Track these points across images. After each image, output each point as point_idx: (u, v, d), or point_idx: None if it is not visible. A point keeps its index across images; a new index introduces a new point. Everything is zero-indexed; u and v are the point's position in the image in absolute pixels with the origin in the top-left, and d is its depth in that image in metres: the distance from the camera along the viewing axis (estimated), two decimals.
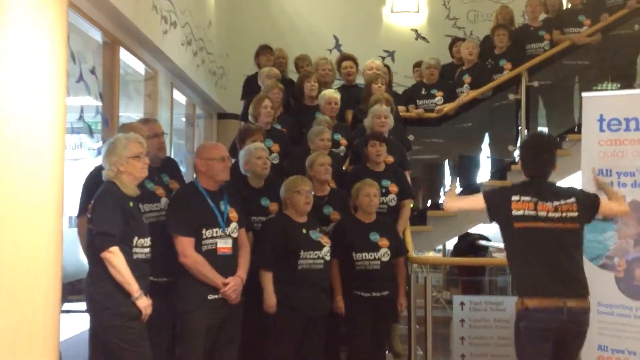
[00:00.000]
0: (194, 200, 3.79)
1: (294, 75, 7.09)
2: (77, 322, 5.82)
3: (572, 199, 3.42)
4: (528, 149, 3.54)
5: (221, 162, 3.83)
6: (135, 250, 3.39)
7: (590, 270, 3.91)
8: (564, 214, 3.37)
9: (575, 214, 3.39)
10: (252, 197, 4.40)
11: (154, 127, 4.15)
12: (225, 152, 3.92)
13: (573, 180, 6.14)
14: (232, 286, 3.70)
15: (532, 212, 3.34)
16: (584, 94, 4.53)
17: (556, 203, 3.38)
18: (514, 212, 3.34)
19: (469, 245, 8.47)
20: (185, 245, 3.66)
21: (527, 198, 3.37)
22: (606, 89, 6.75)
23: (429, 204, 7.16)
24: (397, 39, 9.75)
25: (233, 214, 3.85)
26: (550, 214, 3.35)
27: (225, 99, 9.19)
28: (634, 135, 4.21)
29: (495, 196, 3.50)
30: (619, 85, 6.76)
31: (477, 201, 3.53)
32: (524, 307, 3.27)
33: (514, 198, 3.37)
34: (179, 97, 7.79)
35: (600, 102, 4.44)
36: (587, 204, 3.48)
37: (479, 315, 4.51)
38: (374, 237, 4.43)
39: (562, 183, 6.57)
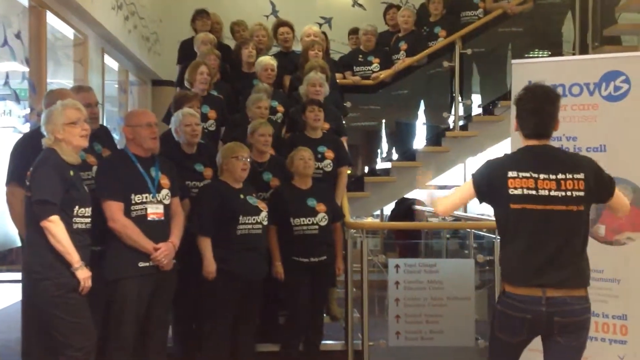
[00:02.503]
0: (123, 165, 3.73)
1: (230, 42, 6.99)
2: (8, 293, 5.69)
3: (581, 174, 2.86)
4: (525, 101, 2.96)
5: (147, 129, 3.76)
6: (75, 219, 3.33)
7: None
8: (568, 193, 2.84)
9: (582, 193, 2.85)
10: (185, 162, 4.36)
11: (86, 96, 4.03)
12: (152, 118, 3.84)
13: (504, 147, 6.34)
14: (164, 251, 3.67)
15: (532, 192, 2.85)
16: (513, 61, 4.62)
17: (560, 176, 2.85)
18: (511, 191, 2.85)
19: (406, 210, 8.65)
20: (113, 209, 3.61)
21: (526, 174, 2.86)
22: (536, 56, 6.92)
23: (366, 170, 7.26)
24: (334, 5, 9.70)
25: (164, 181, 3.80)
26: (553, 192, 2.84)
27: (160, 65, 8.99)
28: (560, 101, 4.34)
29: (486, 175, 2.96)
30: (549, 53, 6.94)
31: (468, 190, 3.00)
32: (502, 289, 2.95)
33: (511, 174, 2.87)
34: (111, 63, 7.58)
35: (529, 68, 4.54)
36: (599, 184, 2.91)
37: (413, 277, 4.61)
38: (312, 202, 4.47)
39: (495, 148, 6.84)
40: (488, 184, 2.94)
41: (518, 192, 2.86)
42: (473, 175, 3.01)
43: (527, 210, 2.86)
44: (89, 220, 3.41)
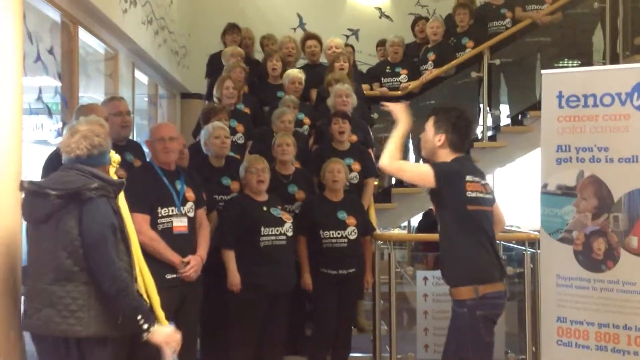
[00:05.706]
0: (149, 178, 3.75)
1: (260, 56, 7.04)
2: None
3: (486, 180, 3.34)
4: (463, 123, 3.30)
5: (160, 143, 3.76)
6: None
7: (550, 244, 4.01)
8: (488, 196, 3.27)
9: (491, 196, 3.33)
10: (213, 176, 4.38)
11: (118, 105, 4.09)
12: (166, 133, 3.81)
13: (534, 156, 6.27)
14: (193, 266, 3.71)
15: (481, 195, 3.19)
16: (543, 72, 4.57)
17: (483, 182, 3.27)
18: (469, 194, 3.13)
19: (433, 221, 8.56)
20: (140, 222, 3.60)
21: (477, 179, 3.20)
22: (566, 66, 6.85)
23: (393, 182, 7.23)
24: (361, 17, 9.73)
25: (189, 194, 3.82)
26: (486, 196, 3.24)
27: (188, 78, 9.09)
28: (591, 112, 4.28)
29: (449, 175, 3.17)
30: (579, 62, 6.86)
31: (425, 173, 3.17)
32: (480, 295, 3.06)
33: (468, 178, 3.15)
34: (141, 76, 7.68)
35: (559, 79, 4.49)
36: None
37: (442, 290, 4.55)
38: (342, 215, 4.46)
39: (524, 159, 6.77)
40: (449, 184, 3.14)
41: (473, 195, 3.15)
42: (435, 169, 3.14)
43: (479, 212, 3.17)
44: None
